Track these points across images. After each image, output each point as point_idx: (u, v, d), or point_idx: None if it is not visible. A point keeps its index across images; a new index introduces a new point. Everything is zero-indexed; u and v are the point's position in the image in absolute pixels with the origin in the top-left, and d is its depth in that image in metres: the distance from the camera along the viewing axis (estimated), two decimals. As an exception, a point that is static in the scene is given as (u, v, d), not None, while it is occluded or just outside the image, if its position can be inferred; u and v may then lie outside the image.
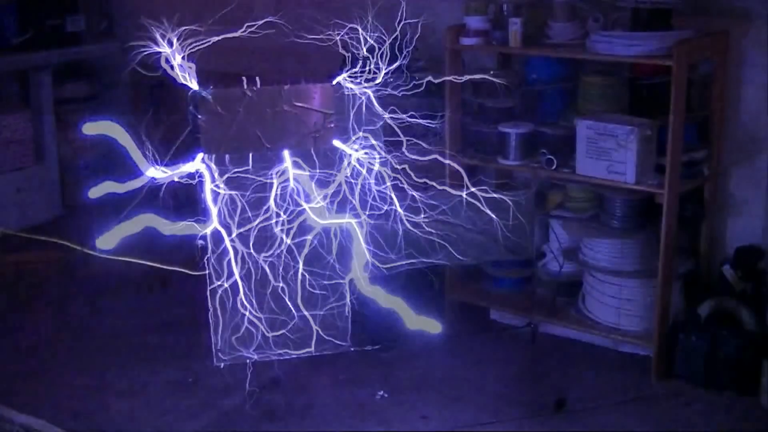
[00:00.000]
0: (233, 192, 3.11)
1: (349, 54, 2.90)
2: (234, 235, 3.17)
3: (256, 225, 3.19)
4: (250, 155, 3.10)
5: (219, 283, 3.33)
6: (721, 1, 3.62)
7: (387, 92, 2.98)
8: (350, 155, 3.03)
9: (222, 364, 3.54)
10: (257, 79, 2.91)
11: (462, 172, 3.05)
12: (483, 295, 4.10)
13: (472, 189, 3.27)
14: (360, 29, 2.84)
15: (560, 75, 3.86)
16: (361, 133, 2.99)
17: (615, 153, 3.47)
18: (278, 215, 3.15)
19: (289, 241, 3.16)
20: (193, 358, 3.61)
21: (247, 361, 3.49)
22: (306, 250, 3.21)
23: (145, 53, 2.81)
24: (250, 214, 3.17)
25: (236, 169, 3.07)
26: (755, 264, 3.62)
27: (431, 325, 2.94)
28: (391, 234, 3.09)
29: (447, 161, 3.64)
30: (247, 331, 3.37)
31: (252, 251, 3.23)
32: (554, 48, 3.69)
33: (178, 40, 2.79)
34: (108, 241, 2.96)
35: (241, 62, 4.16)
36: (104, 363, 3.76)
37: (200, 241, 3.12)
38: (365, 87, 2.93)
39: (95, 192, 2.95)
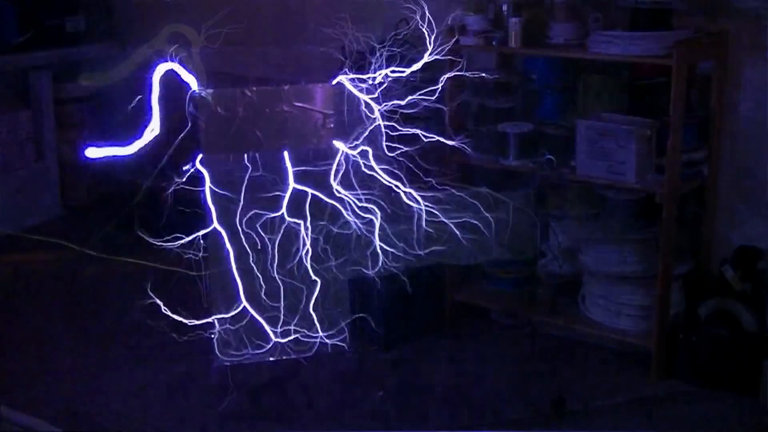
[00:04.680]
0: (229, 193, 3.12)
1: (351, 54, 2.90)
2: (233, 234, 3.18)
3: (256, 225, 3.19)
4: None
5: (218, 282, 3.33)
6: (721, 1, 3.62)
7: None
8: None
9: (221, 364, 3.54)
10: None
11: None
12: (483, 295, 4.10)
13: (473, 188, 3.27)
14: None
15: (560, 75, 3.86)
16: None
17: (615, 153, 3.47)
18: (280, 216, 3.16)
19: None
20: (193, 359, 3.61)
21: (247, 361, 3.49)
22: (301, 250, 3.21)
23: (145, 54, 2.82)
24: (249, 215, 3.17)
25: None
26: (755, 264, 3.62)
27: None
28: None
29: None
30: (246, 330, 3.37)
31: (252, 251, 3.23)
32: (554, 48, 3.68)
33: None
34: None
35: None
36: (104, 363, 3.76)
37: (201, 242, 3.13)
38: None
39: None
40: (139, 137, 2.81)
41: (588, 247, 3.75)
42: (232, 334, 3.42)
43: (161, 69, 2.73)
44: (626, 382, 3.59)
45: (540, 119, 3.85)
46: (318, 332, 3.37)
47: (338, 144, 3.06)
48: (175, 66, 2.75)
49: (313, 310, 3.36)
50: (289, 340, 3.35)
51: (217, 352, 3.51)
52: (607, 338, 3.74)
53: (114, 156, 2.83)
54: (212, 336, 3.53)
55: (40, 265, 4.60)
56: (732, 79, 3.65)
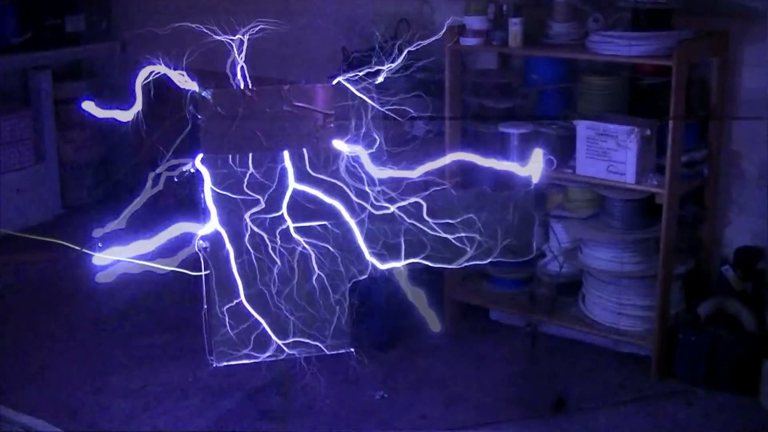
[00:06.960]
0: (229, 193, 3.12)
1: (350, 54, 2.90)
2: (234, 234, 3.17)
3: (256, 225, 3.18)
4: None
5: (218, 283, 3.33)
6: (721, 1, 3.62)
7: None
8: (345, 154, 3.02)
9: (221, 365, 3.54)
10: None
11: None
12: (483, 295, 4.10)
13: (472, 189, 3.27)
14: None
15: (560, 75, 3.86)
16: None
17: (615, 153, 3.47)
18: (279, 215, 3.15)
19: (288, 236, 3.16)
20: (193, 359, 3.61)
21: (246, 361, 3.48)
22: (301, 249, 3.21)
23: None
24: (249, 214, 3.17)
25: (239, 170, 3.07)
26: (755, 264, 3.62)
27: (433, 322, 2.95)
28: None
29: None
30: (246, 331, 3.37)
31: (252, 251, 3.23)
32: (554, 48, 3.69)
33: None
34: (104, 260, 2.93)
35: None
36: (104, 363, 3.76)
37: (201, 242, 3.12)
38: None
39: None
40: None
41: (588, 246, 3.75)
42: (232, 334, 3.42)
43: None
44: (626, 382, 3.59)
45: (540, 119, 3.85)
46: (318, 332, 3.37)
47: (338, 144, 3.06)
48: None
49: (313, 311, 3.36)
50: (288, 341, 3.35)
51: (216, 352, 3.51)
52: (607, 338, 3.74)
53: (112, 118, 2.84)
54: (212, 336, 3.53)
55: (40, 265, 4.60)
56: (732, 79, 3.65)
